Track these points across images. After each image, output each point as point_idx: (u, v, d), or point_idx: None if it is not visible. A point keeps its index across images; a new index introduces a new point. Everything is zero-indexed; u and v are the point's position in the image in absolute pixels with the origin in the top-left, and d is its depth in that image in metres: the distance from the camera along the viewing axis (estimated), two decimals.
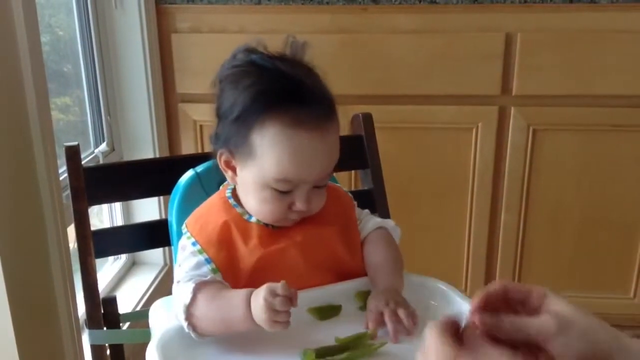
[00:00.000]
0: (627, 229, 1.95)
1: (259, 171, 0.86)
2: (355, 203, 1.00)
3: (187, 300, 0.82)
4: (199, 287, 0.83)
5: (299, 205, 0.86)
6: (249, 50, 0.88)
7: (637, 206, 1.92)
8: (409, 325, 0.82)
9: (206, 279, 0.84)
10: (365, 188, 1.24)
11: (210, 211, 0.92)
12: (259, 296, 0.77)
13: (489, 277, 2.02)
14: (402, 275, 0.93)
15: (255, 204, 0.88)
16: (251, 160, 0.86)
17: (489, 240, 1.99)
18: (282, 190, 0.86)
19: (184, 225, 0.92)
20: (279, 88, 0.84)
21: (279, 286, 0.76)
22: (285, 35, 0.90)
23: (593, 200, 1.93)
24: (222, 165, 0.92)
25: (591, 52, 1.79)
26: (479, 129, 1.88)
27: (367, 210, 1.02)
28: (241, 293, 0.80)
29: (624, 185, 1.91)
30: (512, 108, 1.86)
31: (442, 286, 0.93)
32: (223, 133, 0.89)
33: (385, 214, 1.22)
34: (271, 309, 0.76)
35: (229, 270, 0.87)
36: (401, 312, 0.82)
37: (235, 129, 0.86)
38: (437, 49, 1.82)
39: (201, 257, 0.87)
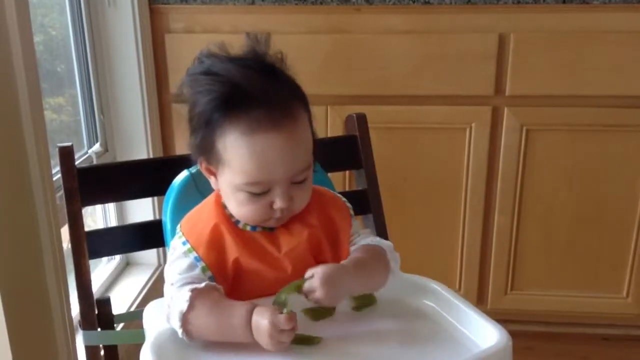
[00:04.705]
0: (619, 228, 1.96)
1: (230, 176, 0.86)
2: (353, 217, 0.96)
3: (184, 308, 0.82)
4: (196, 295, 0.82)
5: (280, 203, 0.86)
6: (209, 55, 0.88)
7: (629, 206, 1.93)
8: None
9: (201, 286, 0.84)
10: (359, 188, 1.24)
11: (203, 212, 0.92)
12: (262, 330, 0.78)
13: (482, 276, 2.03)
14: (363, 275, 0.87)
15: (235, 207, 0.89)
16: (221, 167, 0.87)
17: (482, 239, 2.00)
18: (257, 193, 0.86)
19: (178, 226, 0.93)
20: (230, 95, 0.83)
21: (282, 321, 0.77)
22: (245, 34, 0.88)
23: (586, 200, 1.94)
24: (204, 172, 0.92)
25: (584, 53, 1.80)
26: (473, 129, 1.89)
27: (368, 230, 0.99)
28: (242, 311, 0.80)
29: (617, 185, 1.92)
30: (506, 108, 1.86)
31: (436, 286, 0.93)
32: (194, 142, 0.89)
33: (379, 214, 1.22)
34: (277, 342, 0.78)
35: (217, 270, 0.87)
36: (307, 284, 0.82)
37: (202, 137, 0.87)
38: (431, 50, 1.83)
39: (191, 257, 0.87)
